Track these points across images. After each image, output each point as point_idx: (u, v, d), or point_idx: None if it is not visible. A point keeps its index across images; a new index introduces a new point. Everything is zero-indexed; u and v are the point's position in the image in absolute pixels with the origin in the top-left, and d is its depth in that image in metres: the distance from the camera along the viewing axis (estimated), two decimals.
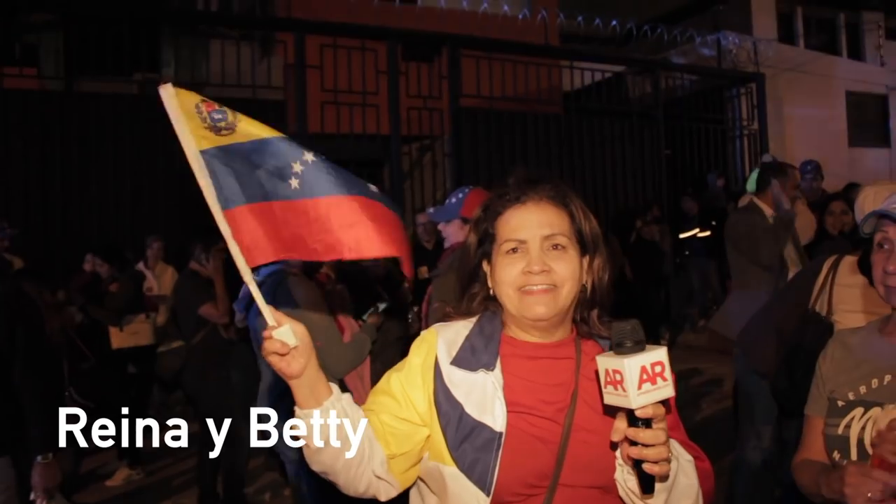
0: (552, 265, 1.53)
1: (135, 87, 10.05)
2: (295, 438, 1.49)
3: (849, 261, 3.27)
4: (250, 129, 1.44)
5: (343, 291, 3.83)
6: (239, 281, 4.13)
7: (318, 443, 1.45)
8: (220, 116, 1.43)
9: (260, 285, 3.61)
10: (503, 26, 12.01)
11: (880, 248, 1.78)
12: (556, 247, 1.56)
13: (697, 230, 10.42)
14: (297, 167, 1.44)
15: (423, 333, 1.66)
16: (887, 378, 1.77)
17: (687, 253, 10.69)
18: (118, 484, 6.01)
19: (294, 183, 1.44)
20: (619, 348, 1.33)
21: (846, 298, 3.21)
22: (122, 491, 5.93)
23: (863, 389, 1.80)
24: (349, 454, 1.47)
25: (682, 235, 10.50)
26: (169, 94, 1.41)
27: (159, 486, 6.00)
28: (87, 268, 6.74)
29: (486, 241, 1.63)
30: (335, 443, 1.45)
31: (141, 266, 7.26)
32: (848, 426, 1.78)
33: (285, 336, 1.42)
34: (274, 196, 1.44)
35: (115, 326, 6.55)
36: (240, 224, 1.43)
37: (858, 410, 1.78)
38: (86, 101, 8.41)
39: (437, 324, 1.68)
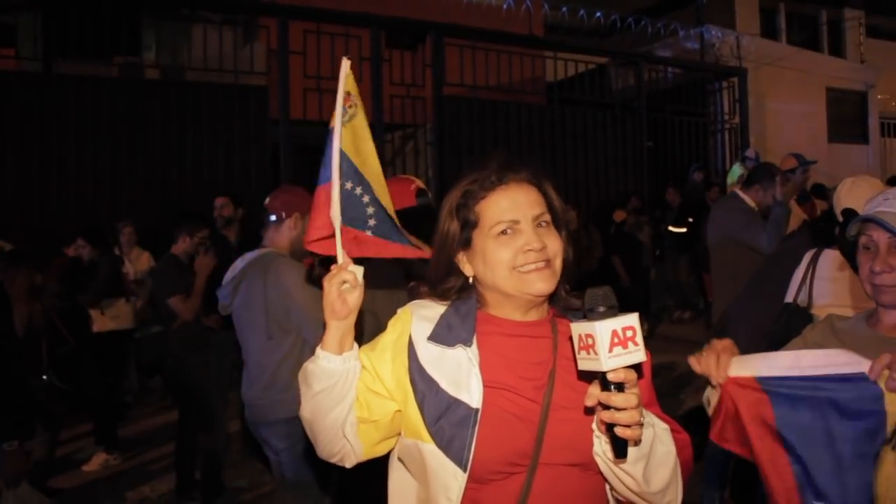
0: (545, 241, 1.58)
1: (115, 70, 9.94)
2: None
3: (829, 254, 3.29)
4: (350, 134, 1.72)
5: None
6: (225, 266, 4.10)
7: (317, 387, 1.54)
8: (346, 109, 1.71)
9: (250, 265, 3.60)
10: (487, 15, 11.99)
11: (866, 249, 1.89)
12: (543, 224, 1.61)
13: (671, 226, 10.47)
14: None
15: (399, 312, 1.68)
16: None
17: (666, 244, 10.76)
18: (95, 469, 5.98)
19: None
20: (592, 313, 1.36)
21: (826, 292, 3.24)
22: (98, 476, 5.89)
23: None
24: (339, 410, 1.56)
25: (671, 228, 10.47)
26: (346, 70, 1.72)
27: (136, 471, 5.98)
28: (72, 252, 6.70)
29: (466, 228, 1.63)
30: (334, 394, 1.54)
31: (116, 251, 7.22)
32: None
33: (358, 272, 1.57)
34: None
35: (96, 309, 6.53)
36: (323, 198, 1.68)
37: None
38: (64, 83, 8.30)
39: (413, 302, 1.70)
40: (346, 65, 1.69)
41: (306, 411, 1.59)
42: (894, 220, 1.81)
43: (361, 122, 1.74)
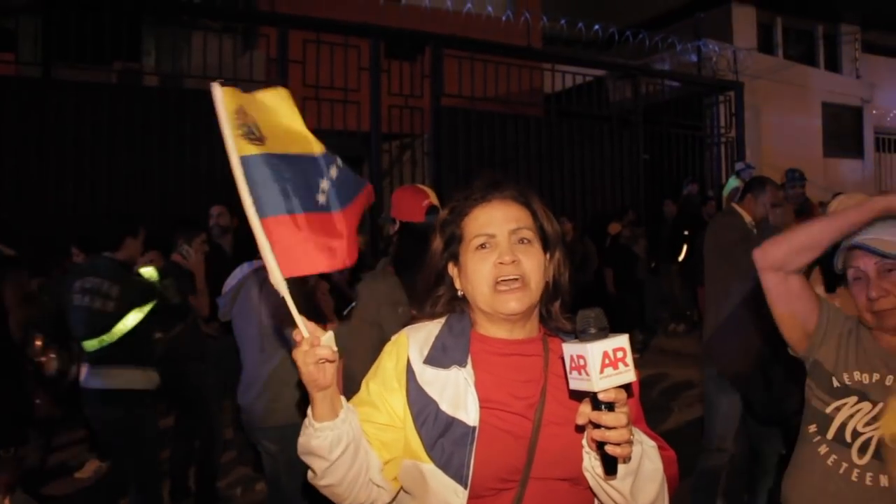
0: (520, 257, 1.59)
1: (114, 76, 9.96)
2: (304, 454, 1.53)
3: (819, 271, 3.32)
4: (278, 142, 1.48)
5: (325, 289, 3.85)
6: (221, 275, 4.13)
7: (333, 454, 1.49)
8: (248, 130, 1.45)
9: (248, 277, 3.62)
10: (486, 27, 12.06)
11: (857, 280, 1.93)
12: (522, 240, 1.62)
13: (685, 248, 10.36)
14: (324, 184, 1.53)
15: (395, 337, 1.71)
16: (876, 376, 1.92)
17: (659, 257, 10.80)
18: (88, 476, 5.96)
19: (321, 198, 1.52)
20: (583, 335, 1.38)
21: None
22: (91, 483, 5.88)
23: (855, 377, 1.93)
24: (358, 463, 1.52)
25: (681, 258, 10.39)
26: (218, 94, 1.41)
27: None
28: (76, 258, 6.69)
29: (452, 243, 1.68)
30: (349, 453, 1.50)
31: None
32: (837, 409, 1.91)
33: (331, 343, 1.45)
34: (301, 209, 1.48)
35: None
36: (275, 233, 1.44)
37: (852, 399, 1.90)
38: (64, 88, 8.32)
39: (408, 327, 1.72)
40: (217, 91, 1.42)
41: (326, 480, 1.53)
42: (875, 243, 1.83)
43: (264, 108, 1.51)
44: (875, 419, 1.85)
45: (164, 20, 11.13)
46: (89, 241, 6.84)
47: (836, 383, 1.94)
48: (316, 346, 1.44)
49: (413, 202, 3.52)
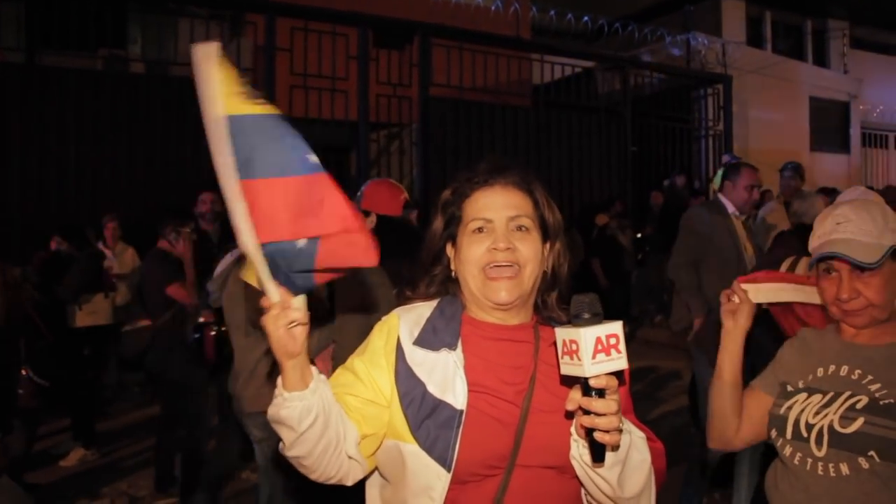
0: (516, 244, 1.58)
1: (99, 62, 9.87)
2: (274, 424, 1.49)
3: (806, 262, 3.33)
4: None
5: None
6: (209, 263, 4.10)
7: (302, 426, 1.45)
8: (248, 91, 1.41)
9: (229, 270, 3.59)
10: (475, 17, 12.02)
11: (827, 273, 1.91)
12: (520, 228, 1.60)
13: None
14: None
15: (385, 317, 1.69)
16: (832, 368, 1.91)
17: (647, 249, 10.82)
18: (72, 464, 5.93)
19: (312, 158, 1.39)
20: (577, 319, 1.37)
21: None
22: (76, 471, 5.85)
23: (810, 377, 1.93)
24: (328, 436, 1.49)
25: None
26: (208, 54, 1.38)
27: (114, 466, 5.94)
28: (53, 246, 6.65)
29: (452, 224, 1.67)
30: (318, 425, 1.47)
31: (101, 246, 7.17)
32: (790, 408, 1.91)
33: (302, 306, 1.40)
34: (290, 172, 1.37)
35: (74, 304, 6.48)
36: (255, 196, 1.35)
37: (802, 395, 1.91)
38: (48, 75, 8.24)
39: (400, 307, 1.70)
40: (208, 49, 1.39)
41: (295, 451, 1.49)
42: (850, 247, 1.83)
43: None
44: (824, 407, 1.85)
45: (150, 7, 11.03)
46: (72, 229, 6.81)
47: (789, 388, 1.95)
48: (287, 308, 1.39)
49: (393, 196, 3.60)
